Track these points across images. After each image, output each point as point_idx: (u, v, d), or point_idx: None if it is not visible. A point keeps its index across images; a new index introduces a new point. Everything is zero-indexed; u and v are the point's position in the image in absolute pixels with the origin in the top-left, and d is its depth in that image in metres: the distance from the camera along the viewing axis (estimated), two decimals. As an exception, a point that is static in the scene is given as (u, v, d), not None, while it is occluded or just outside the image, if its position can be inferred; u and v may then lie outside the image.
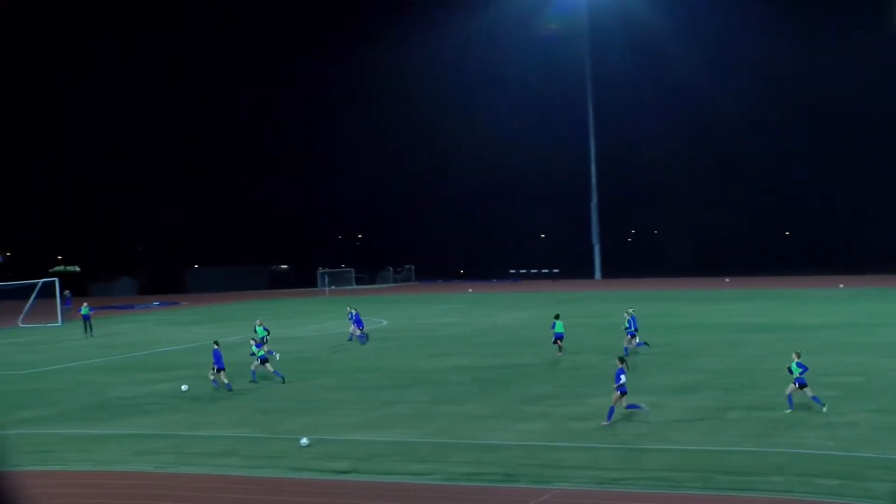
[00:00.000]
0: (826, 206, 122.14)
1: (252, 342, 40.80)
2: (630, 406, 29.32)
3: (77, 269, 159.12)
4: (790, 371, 29.77)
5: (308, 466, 25.20)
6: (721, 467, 23.53)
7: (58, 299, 74.86)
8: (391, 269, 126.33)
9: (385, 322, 66.54)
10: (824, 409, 29.21)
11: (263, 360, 39.85)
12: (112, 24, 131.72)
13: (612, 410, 29.03)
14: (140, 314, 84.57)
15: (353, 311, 54.69)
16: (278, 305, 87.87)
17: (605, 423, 28.85)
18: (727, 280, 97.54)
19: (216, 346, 38.72)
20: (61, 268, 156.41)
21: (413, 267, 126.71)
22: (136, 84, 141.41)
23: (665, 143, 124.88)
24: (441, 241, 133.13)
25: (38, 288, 75.14)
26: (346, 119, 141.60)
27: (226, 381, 38.09)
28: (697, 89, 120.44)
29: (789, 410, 29.51)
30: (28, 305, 74.12)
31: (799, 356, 29.97)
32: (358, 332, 53.55)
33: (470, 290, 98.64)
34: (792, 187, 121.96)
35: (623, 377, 29.05)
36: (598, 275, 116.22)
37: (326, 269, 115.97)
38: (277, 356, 45.74)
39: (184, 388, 38.36)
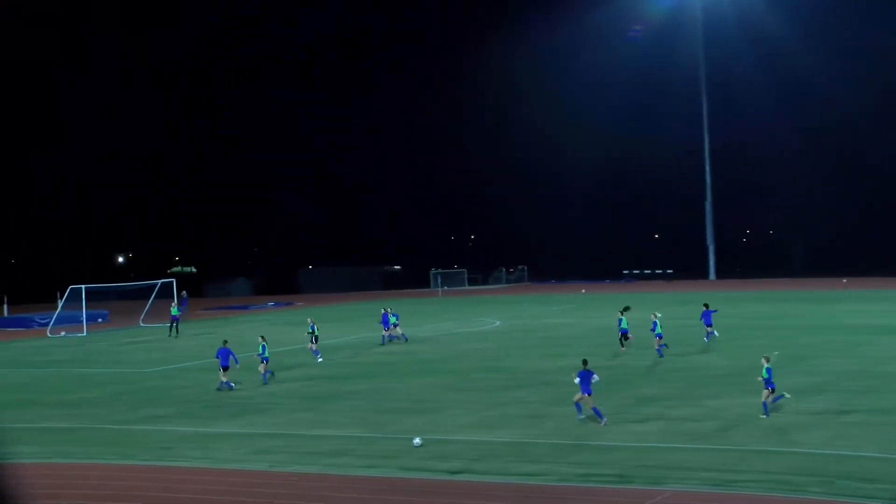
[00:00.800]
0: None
1: (261, 341, 41.16)
2: (594, 409, 29.44)
3: (193, 269, 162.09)
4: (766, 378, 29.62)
5: (420, 466, 25.21)
6: (844, 473, 22.86)
7: (174, 299, 76.17)
8: (504, 269, 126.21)
9: (498, 322, 66.53)
10: (763, 416, 29.22)
11: (266, 361, 40.63)
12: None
13: (578, 406, 29.76)
14: (255, 314, 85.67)
15: (384, 312, 55.38)
16: (391, 306, 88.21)
17: (580, 416, 29.61)
18: (844, 281, 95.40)
19: (224, 346, 39.50)
20: (178, 268, 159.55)
21: (526, 267, 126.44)
22: (255, 87, 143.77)
23: (781, 141, 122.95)
24: (554, 242, 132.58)
25: (156, 288, 76.60)
26: (460, 120, 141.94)
27: (225, 380, 38.86)
28: (815, 86, 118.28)
29: (764, 416, 29.22)
30: (147, 305, 75.59)
31: (768, 360, 29.83)
32: (385, 333, 54.45)
33: (583, 291, 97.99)
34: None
35: (594, 378, 29.41)
36: (712, 275, 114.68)
37: (439, 270, 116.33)
38: (320, 358, 46.52)
39: (232, 385, 39.20)
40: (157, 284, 77.07)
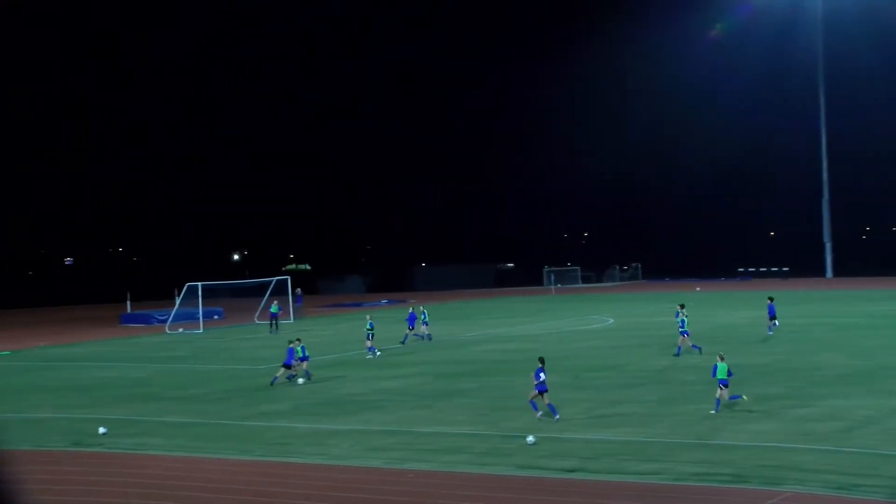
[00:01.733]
0: None
1: (297, 343, 41.62)
2: (550, 405, 30.05)
3: (308, 267, 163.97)
4: (717, 375, 30.42)
5: (535, 464, 25.18)
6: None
7: (289, 297, 77.10)
8: (617, 267, 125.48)
9: (611, 320, 66.16)
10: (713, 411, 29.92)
11: (306, 360, 41.52)
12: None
13: (533, 404, 30.56)
14: (368, 311, 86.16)
15: (411, 310, 55.95)
16: (505, 303, 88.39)
17: (539, 414, 30.44)
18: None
19: (291, 345, 40.76)
20: (293, 266, 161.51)
21: (640, 265, 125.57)
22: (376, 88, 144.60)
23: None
24: (668, 240, 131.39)
25: (271, 286, 77.49)
26: (572, 118, 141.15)
27: (289, 375, 40.58)
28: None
29: (713, 412, 29.88)
30: (263, 302, 76.51)
31: (723, 358, 30.48)
32: (408, 332, 54.70)
33: (697, 289, 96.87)
34: None
35: (542, 375, 29.89)
36: (829, 273, 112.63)
37: (553, 268, 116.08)
38: (370, 356, 47.82)
39: (279, 377, 40.58)
40: (271, 282, 78.03)
